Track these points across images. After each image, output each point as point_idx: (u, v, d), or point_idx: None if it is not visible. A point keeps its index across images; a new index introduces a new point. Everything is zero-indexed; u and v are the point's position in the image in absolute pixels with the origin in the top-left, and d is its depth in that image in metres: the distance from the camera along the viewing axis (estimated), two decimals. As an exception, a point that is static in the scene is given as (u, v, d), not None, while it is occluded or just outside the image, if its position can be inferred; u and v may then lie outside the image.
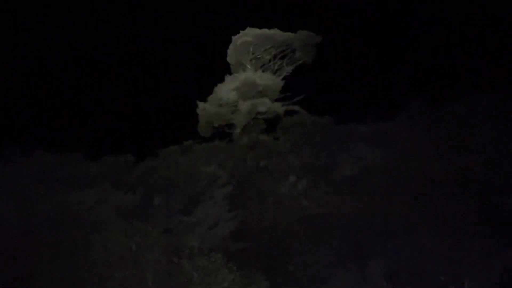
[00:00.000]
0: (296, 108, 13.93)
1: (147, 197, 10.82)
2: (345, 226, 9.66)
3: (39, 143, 10.83)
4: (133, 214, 9.34)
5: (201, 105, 12.44)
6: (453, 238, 9.22)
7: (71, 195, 9.15)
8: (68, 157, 10.48)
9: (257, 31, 13.04)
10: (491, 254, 8.85)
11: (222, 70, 13.07)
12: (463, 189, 9.60)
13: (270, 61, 14.24)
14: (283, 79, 13.51)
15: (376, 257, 9.53)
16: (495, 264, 8.79)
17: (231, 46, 13.32)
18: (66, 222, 8.21)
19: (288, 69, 14.26)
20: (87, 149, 11.00)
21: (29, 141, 10.89)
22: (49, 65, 13.25)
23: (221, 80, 12.69)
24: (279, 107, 12.47)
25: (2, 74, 12.90)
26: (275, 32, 13.20)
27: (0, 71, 12.77)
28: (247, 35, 12.78)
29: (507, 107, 11.31)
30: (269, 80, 12.57)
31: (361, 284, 9.33)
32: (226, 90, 12.19)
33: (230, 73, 13.19)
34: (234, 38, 13.22)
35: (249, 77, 12.22)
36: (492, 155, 10.30)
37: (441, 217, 9.42)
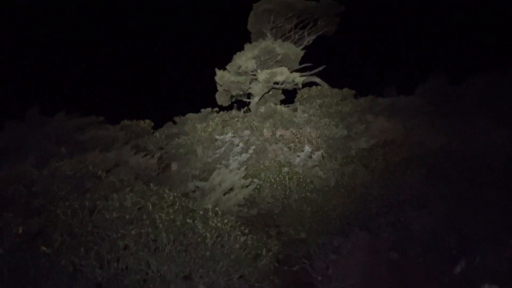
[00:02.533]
0: (315, 79, 13.81)
1: (164, 162, 11.07)
2: (358, 197, 9.74)
3: (61, 106, 11.15)
4: (150, 177, 9.60)
5: (219, 73, 12.45)
6: (467, 212, 9.18)
7: (91, 157, 9.44)
8: (89, 120, 10.77)
9: (278, -2, 12.80)
10: (505, 230, 8.79)
11: (242, 38, 13.02)
12: (480, 165, 9.48)
13: (291, 30, 14.04)
14: (303, 49, 13.33)
15: (387, 229, 9.61)
16: (508, 240, 8.75)
17: (251, 14, 13.15)
18: (86, 181, 8.50)
19: (309, 39, 14.05)
20: (107, 114, 11.31)
21: (51, 104, 11.22)
22: (72, 28, 13.44)
23: (241, 48, 12.64)
24: (298, 78, 12.36)
25: (25, 37, 13.19)
26: (297, 0, 12.95)
27: (24, 34, 13.05)
28: (269, 3, 12.57)
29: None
30: (289, 49, 12.42)
31: (371, 254, 9.44)
32: (245, 58, 12.12)
33: (250, 42, 13.08)
34: (255, 5, 13.04)
35: (269, 46, 12.09)
36: (510, 132, 10.10)
37: (456, 192, 9.36)
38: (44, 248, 6.93)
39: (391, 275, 9.34)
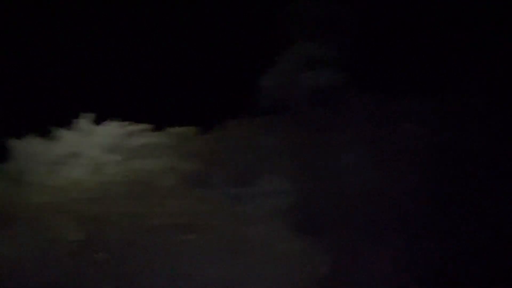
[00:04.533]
0: (353, 82, 13.56)
1: (209, 167, 11.22)
2: (400, 202, 9.49)
3: (109, 115, 11.53)
4: (197, 182, 9.77)
5: (260, 77, 12.50)
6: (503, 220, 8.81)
7: (140, 163, 9.72)
8: (138, 127, 11.11)
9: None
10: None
11: (282, 41, 12.96)
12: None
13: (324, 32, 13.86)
14: (339, 51, 13.14)
15: (427, 236, 9.31)
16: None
17: (287, 17, 13.11)
18: (138, 188, 8.77)
19: (344, 41, 13.82)
20: (153, 121, 11.59)
21: (99, 112, 11.61)
22: (123, 36, 13.83)
23: (278, 52, 12.60)
24: (337, 80, 12.21)
25: (73, 46, 13.75)
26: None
27: (73, 43, 13.62)
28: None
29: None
30: (326, 51, 12.30)
31: (408, 262, 9.18)
32: (285, 61, 12.11)
33: (285, 45, 13.04)
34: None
35: (309, 48, 12.03)
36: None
37: (490, 198, 9.02)
38: (100, 255, 7.18)
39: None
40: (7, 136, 10.70)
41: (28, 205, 8.34)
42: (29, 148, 10.49)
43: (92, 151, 10.45)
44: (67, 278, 7.12)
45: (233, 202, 9.22)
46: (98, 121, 11.41)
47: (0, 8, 13.27)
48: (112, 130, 10.97)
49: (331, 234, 8.72)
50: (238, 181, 10.71)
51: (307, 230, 8.20)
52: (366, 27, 13.53)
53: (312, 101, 12.39)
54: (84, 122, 11.27)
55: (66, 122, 11.34)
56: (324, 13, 12.99)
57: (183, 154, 10.69)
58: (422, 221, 9.01)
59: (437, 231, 8.88)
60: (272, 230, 7.51)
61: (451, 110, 11.59)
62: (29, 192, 8.86)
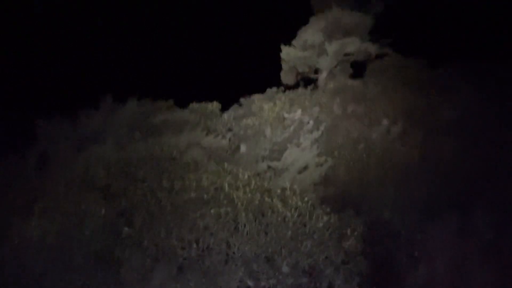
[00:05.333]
0: (387, 50, 12.85)
1: (234, 143, 10.92)
2: (444, 172, 8.91)
3: (131, 92, 11.37)
4: (223, 158, 9.49)
5: (285, 49, 11.98)
6: None
7: (165, 140, 9.50)
8: (159, 104, 10.90)
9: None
10: None
11: (306, 11, 12.37)
12: None
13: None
14: (372, 17, 12.42)
15: (481, 208, 8.70)
16: None
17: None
18: (162, 163, 8.55)
19: (377, 8, 13.06)
20: (176, 97, 11.34)
21: (122, 91, 11.47)
22: (137, 15, 13.64)
23: (305, 22, 12.03)
24: (369, 48, 11.55)
25: (92, 29, 13.63)
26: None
27: (90, 26, 13.51)
28: (333, -29, 11.81)
29: None
30: (358, 19, 11.62)
31: (462, 236, 8.63)
32: (311, 32, 11.53)
33: (314, 14, 12.43)
34: (318, -25, 12.33)
35: (336, 16, 11.38)
36: None
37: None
38: (126, 229, 7.05)
39: (485, 257, 8.48)
40: (34, 117, 10.75)
41: (57, 181, 8.30)
42: (55, 128, 10.49)
43: (116, 129, 10.34)
44: (96, 254, 7.04)
45: (261, 176, 8.87)
46: (121, 99, 11.29)
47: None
48: (135, 108, 10.81)
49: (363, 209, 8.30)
50: (266, 156, 10.38)
51: (339, 205, 7.76)
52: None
53: (343, 71, 11.80)
54: (107, 101, 11.16)
55: (89, 102, 11.28)
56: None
57: (207, 129, 10.43)
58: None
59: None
60: (302, 205, 7.11)
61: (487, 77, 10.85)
62: (58, 169, 8.83)
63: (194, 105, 11.26)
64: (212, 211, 6.98)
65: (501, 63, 11.53)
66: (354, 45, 11.38)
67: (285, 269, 6.45)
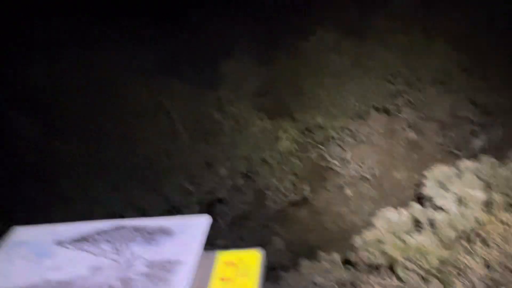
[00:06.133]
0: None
1: (173, 55, 10.64)
2: (376, 77, 9.38)
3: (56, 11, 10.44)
4: (160, 71, 9.28)
5: None
6: (488, 86, 8.88)
7: (97, 57, 9.05)
8: (87, 19, 10.15)
9: None
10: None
11: None
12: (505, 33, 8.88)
13: None
14: None
15: (405, 109, 9.46)
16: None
17: None
18: (97, 80, 8.25)
19: None
20: (103, 13, 10.56)
21: (47, 9, 10.50)
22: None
23: None
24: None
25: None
26: None
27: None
28: None
29: None
30: None
31: (389, 136, 9.46)
32: None
33: None
34: None
35: None
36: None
37: (477, 64, 8.94)
38: (58, 144, 6.94)
39: (409, 155, 9.42)
40: None
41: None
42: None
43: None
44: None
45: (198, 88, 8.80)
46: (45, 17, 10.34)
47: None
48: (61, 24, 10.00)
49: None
50: (204, 68, 10.24)
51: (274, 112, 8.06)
52: None
53: None
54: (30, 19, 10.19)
55: None
56: None
57: (141, 45, 9.97)
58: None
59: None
60: (238, 112, 7.32)
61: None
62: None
63: (122, 19, 10.58)
64: (150, 125, 7.04)
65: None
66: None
67: (222, 172, 6.84)
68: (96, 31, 10.27)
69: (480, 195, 4.10)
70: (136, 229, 2.92)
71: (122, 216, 5.79)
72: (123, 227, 2.94)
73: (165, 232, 2.90)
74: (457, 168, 4.50)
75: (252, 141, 6.96)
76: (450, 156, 8.65)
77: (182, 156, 6.89)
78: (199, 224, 2.93)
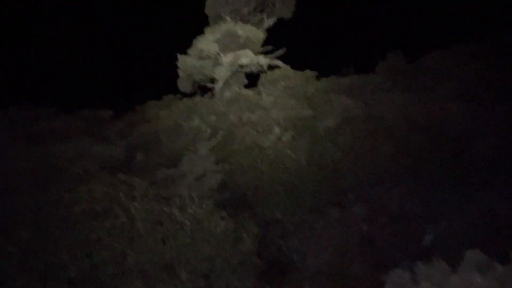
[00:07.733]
0: (278, 62, 13.74)
1: (129, 151, 10.61)
2: (328, 174, 9.92)
3: (13, 98, 10.33)
4: (116, 167, 9.16)
5: (181, 58, 12.03)
6: (430, 182, 9.65)
7: (50, 149, 8.83)
8: (44, 111, 10.06)
9: (236, -18, 12.53)
10: (466, 197, 9.34)
11: (201, 22, 12.63)
12: (439, 134, 9.99)
13: (249, 13, 13.81)
14: (264, 32, 13.17)
15: (358, 203, 9.91)
16: (470, 207, 9.28)
17: (209, -3, 12.78)
18: (48, 175, 7.95)
19: (268, 22, 13.91)
20: (63, 103, 10.59)
21: (2, 96, 10.37)
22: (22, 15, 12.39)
23: (200, 32, 12.25)
24: (262, 60, 12.23)
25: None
26: (253, -18, 12.73)
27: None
28: (226, -14, 12.28)
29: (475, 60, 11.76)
30: (251, 32, 12.23)
31: (343, 229, 9.71)
32: (206, 42, 11.79)
33: (209, 25, 12.74)
34: (212, -12, 12.68)
35: (230, 28, 11.84)
36: (466, 103, 10.73)
37: (418, 162, 9.81)
38: (10, 248, 6.43)
39: (363, 247, 9.65)
40: None
41: None
42: None
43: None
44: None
45: (158, 185, 8.79)
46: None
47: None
48: (16, 114, 9.80)
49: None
50: (161, 165, 10.28)
51: (235, 209, 8.11)
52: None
53: (238, 81, 12.28)
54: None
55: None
56: None
57: (97, 139, 9.95)
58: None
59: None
60: (200, 211, 7.29)
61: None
62: None
63: (82, 112, 10.65)
64: (106, 223, 6.74)
65: (371, 77, 13.23)
66: (248, 57, 11.95)
67: (183, 275, 6.54)
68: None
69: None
70: None
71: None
72: None
73: None
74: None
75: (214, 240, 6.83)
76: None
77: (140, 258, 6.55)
78: None
